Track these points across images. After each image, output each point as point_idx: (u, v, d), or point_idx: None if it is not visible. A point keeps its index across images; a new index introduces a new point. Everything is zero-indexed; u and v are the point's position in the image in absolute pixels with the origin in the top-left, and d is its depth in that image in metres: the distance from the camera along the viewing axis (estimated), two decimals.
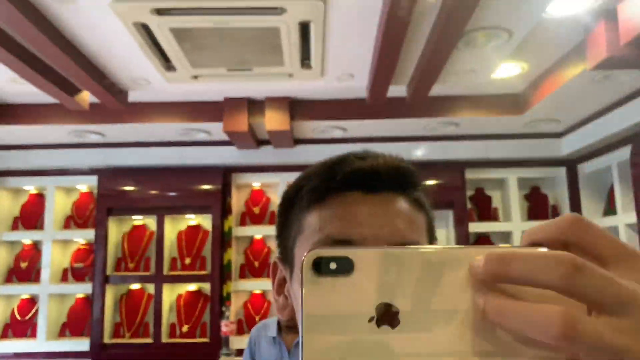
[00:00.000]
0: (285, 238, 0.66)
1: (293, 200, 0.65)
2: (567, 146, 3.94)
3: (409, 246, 0.31)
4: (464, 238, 4.02)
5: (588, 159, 3.92)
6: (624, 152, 3.43)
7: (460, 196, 4.08)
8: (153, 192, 4.09)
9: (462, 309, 0.28)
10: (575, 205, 4.06)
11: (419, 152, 4.04)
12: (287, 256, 0.66)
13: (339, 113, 3.51)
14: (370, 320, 0.28)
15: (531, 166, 4.16)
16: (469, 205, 4.22)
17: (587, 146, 3.74)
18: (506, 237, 4.23)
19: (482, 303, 0.28)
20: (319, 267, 0.29)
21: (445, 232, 4.28)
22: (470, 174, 4.16)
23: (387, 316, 0.28)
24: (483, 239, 4.25)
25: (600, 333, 0.25)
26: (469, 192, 4.27)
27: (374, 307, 0.28)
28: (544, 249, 0.29)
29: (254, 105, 3.48)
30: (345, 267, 0.29)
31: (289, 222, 0.65)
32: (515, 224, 4.11)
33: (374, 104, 3.24)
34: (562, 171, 4.15)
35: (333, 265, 0.29)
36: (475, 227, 4.13)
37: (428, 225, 0.64)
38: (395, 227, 0.58)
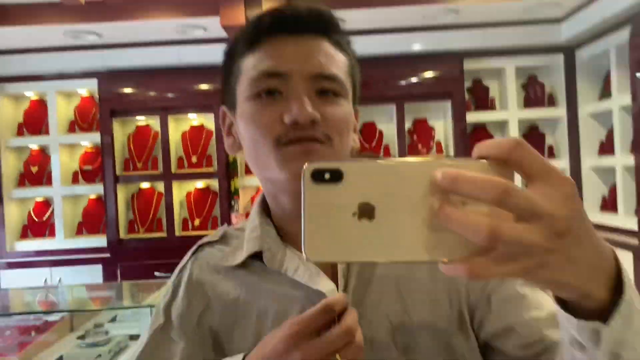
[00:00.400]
0: (228, 84, 0.76)
1: (233, 51, 0.74)
2: (566, 31, 3.93)
3: (387, 159, 0.40)
4: (461, 129, 4.13)
5: (586, 44, 3.93)
6: (623, 35, 3.43)
7: (458, 87, 4.13)
8: (153, 93, 4.12)
9: (422, 209, 0.38)
10: (571, 92, 4.13)
11: (416, 43, 4.02)
12: (230, 98, 0.76)
13: (336, 1, 3.45)
14: (354, 215, 0.38)
15: (529, 54, 4.16)
16: (466, 96, 4.28)
17: (586, 30, 3.73)
18: (502, 126, 4.33)
19: (436, 207, 0.37)
20: (316, 176, 0.38)
21: (443, 122, 4.38)
22: (469, 65, 4.17)
23: (366, 212, 0.38)
24: (480, 130, 4.35)
25: (517, 234, 0.36)
26: (467, 84, 4.32)
27: (357, 206, 0.38)
28: (484, 162, 0.38)
29: None
30: (336, 176, 0.38)
31: (231, 69, 0.74)
32: (511, 112, 4.19)
33: None
34: (559, 58, 4.16)
35: (327, 175, 0.38)
36: (473, 117, 4.22)
37: (349, 67, 0.73)
38: (317, 62, 0.68)
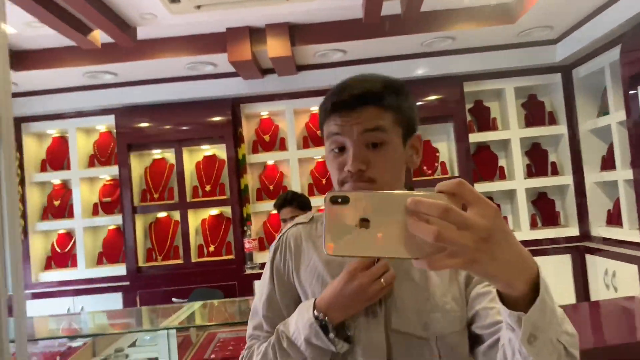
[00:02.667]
0: (323, 136, 1.08)
1: (320, 114, 1.05)
2: (561, 52, 4.06)
3: (378, 191, 0.59)
4: (464, 149, 4.25)
5: (582, 62, 4.05)
6: (615, 53, 3.55)
7: (459, 109, 4.26)
8: (167, 126, 4.33)
9: (400, 223, 0.56)
10: (571, 109, 4.24)
11: (418, 69, 4.19)
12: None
13: (338, 35, 3.65)
14: (356, 225, 0.57)
15: (527, 75, 4.29)
16: (468, 117, 4.41)
17: (580, 50, 3.85)
18: (505, 144, 4.44)
19: (408, 221, 0.56)
20: (333, 200, 0.58)
21: (447, 144, 4.50)
22: (469, 87, 4.32)
23: (364, 224, 0.57)
24: (483, 149, 4.46)
25: (453, 237, 0.54)
26: (468, 105, 4.45)
27: (358, 219, 0.57)
28: (442, 195, 0.56)
29: (256, 34, 3.63)
30: (345, 200, 0.58)
31: (322, 127, 1.05)
32: (513, 131, 4.30)
33: (370, 23, 3.37)
34: (557, 77, 4.29)
35: (339, 200, 0.58)
36: (475, 137, 4.34)
37: (394, 117, 0.97)
38: (364, 123, 0.95)
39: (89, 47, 3.09)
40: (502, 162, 4.50)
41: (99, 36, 3.12)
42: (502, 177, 4.43)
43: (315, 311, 0.94)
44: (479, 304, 0.92)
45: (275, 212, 4.45)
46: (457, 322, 0.94)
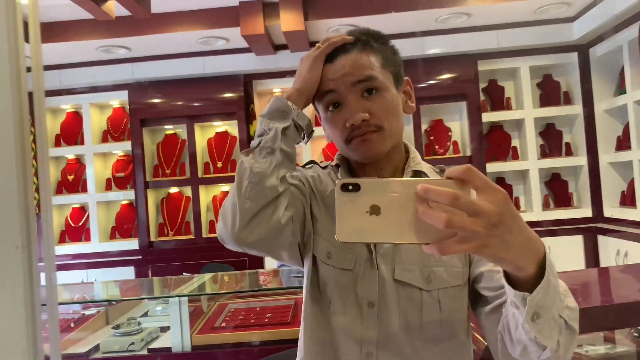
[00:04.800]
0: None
1: None
2: (578, 30, 3.99)
3: (388, 178, 0.59)
4: (477, 129, 4.21)
5: (599, 41, 3.98)
6: (634, 31, 3.48)
7: (473, 88, 4.22)
8: (180, 102, 4.34)
9: (410, 209, 0.57)
10: (587, 89, 4.17)
11: (432, 46, 4.14)
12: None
13: (351, 9, 3.62)
14: (367, 212, 0.58)
15: (543, 53, 4.23)
16: (482, 97, 4.36)
17: (598, 28, 3.79)
18: (519, 124, 4.40)
19: (419, 208, 0.56)
20: (343, 187, 0.58)
21: (459, 123, 4.47)
22: (483, 66, 4.27)
23: (374, 210, 0.57)
24: (496, 129, 4.42)
25: (464, 223, 0.55)
26: (482, 84, 4.40)
27: (369, 206, 0.57)
28: (450, 181, 0.57)
29: (269, 7, 3.61)
30: (356, 187, 0.58)
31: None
32: (527, 111, 4.26)
33: None
34: (573, 56, 4.22)
35: (350, 187, 0.58)
36: (489, 117, 4.30)
37: (382, 60, 0.97)
38: (354, 78, 0.94)
39: (103, 18, 3.09)
40: (515, 142, 4.45)
41: (114, 7, 3.12)
42: (515, 157, 4.39)
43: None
44: (484, 265, 0.94)
45: None
46: (459, 277, 0.96)
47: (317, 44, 0.97)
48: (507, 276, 0.67)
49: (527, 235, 0.61)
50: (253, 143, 0.95)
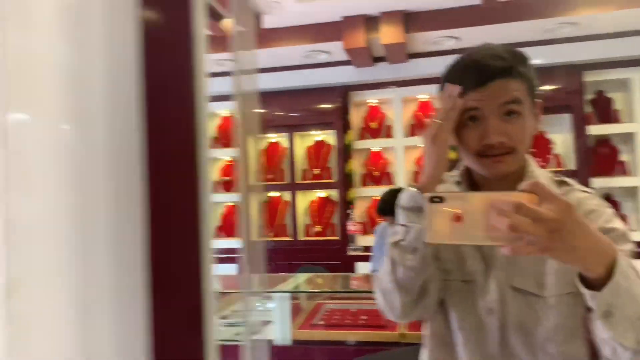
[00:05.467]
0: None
1: (447, 86, 1.04)
2: None
3: (467, 192, 0.77)
4: (581, 142, 4.05)
5: None
6: None
7: (578, 99, 4.07)
8: (282, 112, 4.61)
9: (486, 217, 0.67)
10: None
11: (536, 57, 4.04)
12: None
13: (453, 21, 3.66)
14: (451, 219, 0.69)
15: None
16: (588, 109, 4.19)
17: None
18: (628, 138, 4.17)
19: (490, 216, 0.67)
20: (432, 199, 0.70)
21: (562, 135, 4.32)
22: (590, 77, 4.10)
23: (457, 218, 0.69)
24: (603, 143, 4.22)
25: (526, 228, 0.64)
26: (589, 96, 4.23)
27: (453, 214, 0.69)
28: (522, 193, 0.67)
29: (370, 21, 3.75)
30: (442, 199, 0.70)
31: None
32: (638, 125, 4.03)
33: (489, 8, 3.34)
34: None
35: (437, 199, 0.70)
36: (595, 130, 4.12)
37: (527, 87, 0.99)
38: (501, 100, 0.96)
39: (220, 34, 3.40)
40: (623, 157, 4.22)
41: (230, 25, 3.42)
42: (624, 172, 4.16)
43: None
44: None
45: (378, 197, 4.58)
46: (572, 285, 0.99)
47: (433, 114, 0.99)
48: (581, 276, 0.75)
49: (593, 240, 0.69)
50: (396, 234, 1.01)
